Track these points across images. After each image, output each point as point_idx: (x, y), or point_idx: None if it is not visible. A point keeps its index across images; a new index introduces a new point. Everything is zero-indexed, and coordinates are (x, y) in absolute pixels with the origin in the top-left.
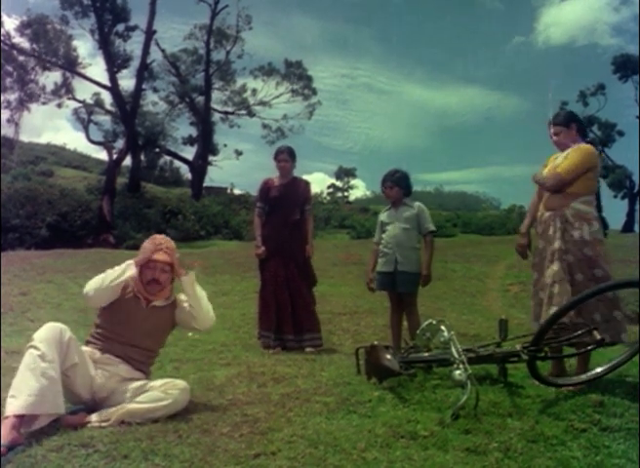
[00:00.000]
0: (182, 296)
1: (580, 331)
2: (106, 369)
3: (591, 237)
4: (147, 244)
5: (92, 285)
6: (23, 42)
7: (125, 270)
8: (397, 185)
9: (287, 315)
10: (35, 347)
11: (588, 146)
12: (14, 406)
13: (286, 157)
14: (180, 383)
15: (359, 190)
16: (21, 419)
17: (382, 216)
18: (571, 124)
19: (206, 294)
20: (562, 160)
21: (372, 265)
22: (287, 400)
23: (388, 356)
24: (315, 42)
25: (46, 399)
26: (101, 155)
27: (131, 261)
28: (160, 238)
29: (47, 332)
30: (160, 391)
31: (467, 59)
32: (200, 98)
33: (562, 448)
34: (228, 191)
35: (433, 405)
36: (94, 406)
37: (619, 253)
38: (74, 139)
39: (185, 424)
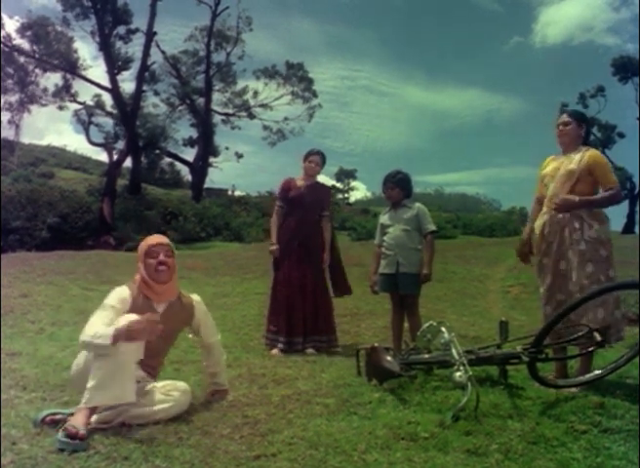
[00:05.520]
0: (201, 308)
1: (580, 333)
2: None
3: (605, 236)
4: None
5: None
6: (24, 44)
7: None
8: (398, 187)
9: (298, 317)
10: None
11: (598, 151)
12: (101, 398)
13: (318, 160)
14: (182, 385)
15: (360, 192)
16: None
17: (383, 219)
18: (582, 123)
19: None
20: (584, 171)
21: (374, 268)
22: (287, 401)
23: (389, 357)
24: (315, 44)
25: (126, 389)
26: (102, 157)
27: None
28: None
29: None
30: (161, 393)
31: (467, 61)
32: (201, 100)
33: (562, 450)
34: (229, 193)
35: (434, 406)
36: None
37: (618, 254)
38: (75, 142)
39: (186, 426)
